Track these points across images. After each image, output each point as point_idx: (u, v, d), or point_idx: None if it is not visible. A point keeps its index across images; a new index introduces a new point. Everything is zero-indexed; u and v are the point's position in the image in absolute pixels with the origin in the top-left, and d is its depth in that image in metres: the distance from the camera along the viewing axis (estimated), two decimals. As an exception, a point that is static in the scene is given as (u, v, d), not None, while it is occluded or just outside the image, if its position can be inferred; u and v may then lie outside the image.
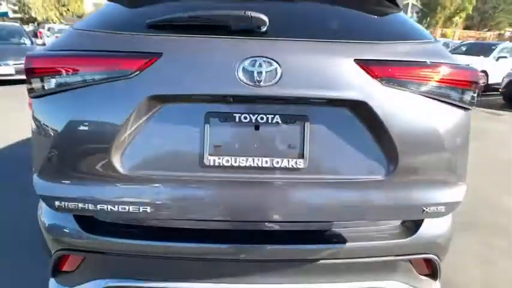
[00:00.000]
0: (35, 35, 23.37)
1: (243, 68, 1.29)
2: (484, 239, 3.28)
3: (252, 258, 1.52)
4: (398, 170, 1.35)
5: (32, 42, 11.31)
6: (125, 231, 1.54)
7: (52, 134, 1.35)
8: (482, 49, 13.11)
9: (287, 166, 1.34)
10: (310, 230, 1.60)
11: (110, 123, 1.30)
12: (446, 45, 16.51)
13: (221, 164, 1.33)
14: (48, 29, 23.66)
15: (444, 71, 1.38)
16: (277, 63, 1.30)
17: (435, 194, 1.42)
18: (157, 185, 1.34)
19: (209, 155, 1.32)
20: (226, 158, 1.33)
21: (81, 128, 1.31)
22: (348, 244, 1.54)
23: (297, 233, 1.58)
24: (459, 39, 46.52)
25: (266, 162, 1.33)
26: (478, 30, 57.92)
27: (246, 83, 1.28)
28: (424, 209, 1.41)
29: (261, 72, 1.28)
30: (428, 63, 1.39)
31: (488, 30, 57.39)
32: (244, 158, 1.33)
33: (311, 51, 1.36)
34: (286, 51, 1.34)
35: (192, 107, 1.34)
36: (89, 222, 1.54)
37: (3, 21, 34.94)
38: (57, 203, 1.35)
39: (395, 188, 1.39)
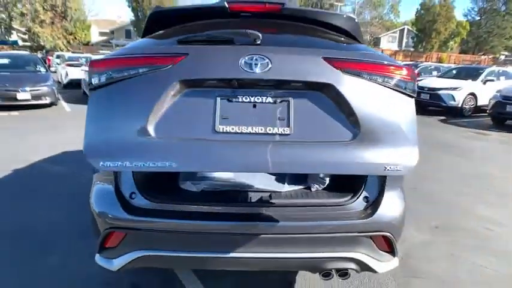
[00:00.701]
0: (44, 62, 24.30)
1: (244, 62, 1.86)
2: (453, 239, 3.78)
3: (251, 233, 2.05)
4: (361, 135, 1.86)
5: (46, 70, 12.07)
6: (157, 213, 2.08)
7: (105, 111, 1.89)
8: (471, 73, 13.75)
9: (277, 132, 1.86)
10: (297, 211, 2.14)
11: (148, 100, 1.84)
12: (437, 69, 17.24)
13: (228, 131, 1.85)
14: (57, 57, 24.52)
15: (385, 66, 1.96)
16: (268, 59, 1.87)
17: (393, 156, 1.88)
18: (180, 145, 1.83)
19: (219, 124, 1.85)
20: (232, 126, 1.85)
21: (128, 104, 1.87)
22: (324, 222, 2.08)
23: (286, 213, 2.12)
24: (455, 63, 47.70)
25: (261, 129, 1.85)
26: (473, 54, 59.14)
27: (246, 70, 1.85)
28: (386, 167, 1.86)
29: (257, 64, 1.86)
30: (372, 61, 1.98)
31: (483, 54, 58.58)
32: (245, 127, 1.85)
33: (292, 52, 1.95)
34: (275, 52, 1.91)
35: (207, 91, 1.90)
36: (130, 207, 2.09)
37: (13, 49, 36.36)
38: (101, 163, 1.79)
39: (360, 149, 1.86)
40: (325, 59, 1.91)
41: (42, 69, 11.95)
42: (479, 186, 5.52)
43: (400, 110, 1.94)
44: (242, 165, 1.83)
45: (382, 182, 2.19)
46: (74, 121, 9.54)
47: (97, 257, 2.20)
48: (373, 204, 2.17)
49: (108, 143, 1.84)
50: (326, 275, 2.25)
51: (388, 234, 2.16)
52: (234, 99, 1.88)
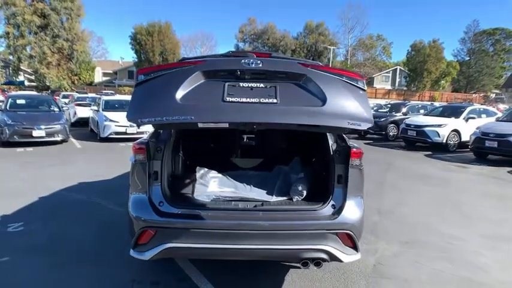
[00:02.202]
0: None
1: (244, 61, 2.71)
2: (419, 251, 4.48)
3: (248, 229, 2.81)
4: (328, 103, 2.61)
5: (59, 109, 13.02)
6: (179, 216, 2.85)
7: (144, 94, 2.67)
8: (454, 111, 14.72)
9: (268, 102, 2.59)
10: (282, 214, 2.91)
11: (178, 83, 2.61)
12: (424, 107, 18.37)
13: (232, 101, 2.58)
14: (64, 96, 25.69)
15: (340, 70, 2.83)
16: (261, 61, 2.73)
17: (354, 117, 2.60)
18: (197, 107, 2.54)
19: (226, 97, 2.59)
20: (235, 98, 2.59)
21: (162, 88, 2.64)
22: (300, 222, 2.85)
23: (274, 215, 2.89)
24: (447, 101, 49.44)
25: (256, 100, 2.59)
26: (465, 93, 61.14)
27: (245, 65, 2.68)
28: (349, 122, 2.57)
29: (253, 63, 2.70)
30: (330, 66, 2.96)
31: (474, 93, 60.58)
32: (244, 99, 2.59)
33: (277, 59, 2.91)
34: (265, 59, 2.80)
35: (219, 80, 2.69)
36: (159, 212, 2.85)
37: (20, 89, 37.85)
38: (139, 120, 2.52)
39: (328, 110, 2.58)
40: (299, 63, 2.84)
41: (56, 109, 12.90)
42: (448, 210, 6.26)
43: (357, 94, 2.74)
44: (241, 117, 2.58)
45: (344, 194, 2.98)
46: (85, 156, 10.36)
47: (131, 251, 2.94)
48: (338, 210, 2.96)
49: (144, 109, 2.60)
50: (304, 264, 2.98)
51: (349, 232, 2.93)
52: (237, 85, 2.69)
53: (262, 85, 2.69)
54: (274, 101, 2.61)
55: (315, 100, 2.64)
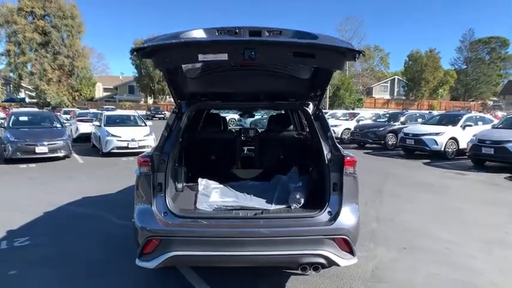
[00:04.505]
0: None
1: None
2: (416, 256, 4.60)
3: (249, 236, 2.94)
4: (319, 39, 2.78)
5: (62, 126, 13.20)
6: (183, 225, 2.98)
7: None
8: (451, 119, 14.89)
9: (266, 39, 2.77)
10: (281, 221, 3.04)
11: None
12: (422, 116, 18.54)
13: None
14: (65, 112, 25.94)
15: None
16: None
17: (347, 43, 2.84)
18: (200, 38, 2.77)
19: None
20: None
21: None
22: (299, 228, 2.98)
23: (273, 222, 3.02)
24: (445, 109, 49.86)
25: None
26: (463, 100, 61.57)
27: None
28: (345, 45, 2.80)
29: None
30: None
31: (473, 101, 61.01)
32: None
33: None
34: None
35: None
36: (163, 222, 2.99)
37: (21, 106, 38.20)
38: (144, 44, 2.74)
39: (322, 40, 2.76)
40: None
41: (58, 125, 13.08)
42: (446, 216, 6.38)
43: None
44: (241, 37, 2.79)
45: (340, 200, 3.12)
46: (88, 171, 10.49)
47: (137, 260, 3.07)
48: (335, 216, 3.10)
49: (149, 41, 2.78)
50: (303, 269, 3.10)
51: (345, 237, 3.06)
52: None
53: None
54: (271, 39, 2.83)
55: (308, 40, 2.87)
